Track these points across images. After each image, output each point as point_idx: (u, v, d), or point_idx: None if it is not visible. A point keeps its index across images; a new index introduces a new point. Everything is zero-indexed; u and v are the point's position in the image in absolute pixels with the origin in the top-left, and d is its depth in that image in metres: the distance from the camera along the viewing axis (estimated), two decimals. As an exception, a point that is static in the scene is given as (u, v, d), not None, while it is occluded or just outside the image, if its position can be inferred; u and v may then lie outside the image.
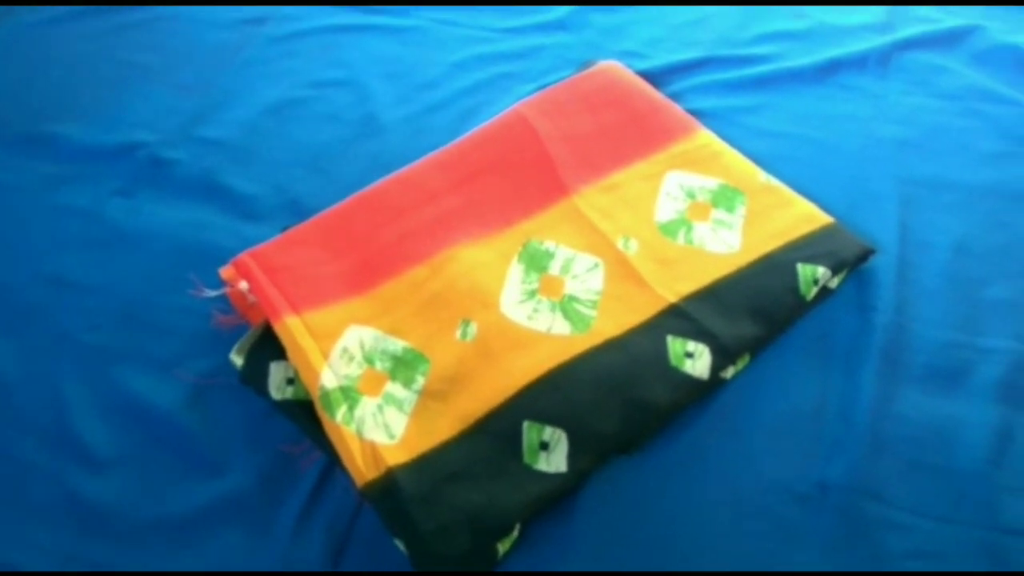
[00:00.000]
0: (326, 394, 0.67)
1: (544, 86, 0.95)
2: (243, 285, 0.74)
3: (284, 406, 0.69)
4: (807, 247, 0.76)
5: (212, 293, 0.77)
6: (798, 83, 0.96)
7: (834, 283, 0.76)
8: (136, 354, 0.75)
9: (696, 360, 0.69)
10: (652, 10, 1.08)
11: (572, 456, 0.64)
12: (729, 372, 0.70)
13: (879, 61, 0.97)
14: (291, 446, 0.69)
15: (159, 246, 0.83)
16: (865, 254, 0.77)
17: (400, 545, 0.61)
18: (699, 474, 0.66)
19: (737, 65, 0.99)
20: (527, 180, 0.84)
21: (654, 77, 0.96)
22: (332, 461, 0.66)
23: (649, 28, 1.06)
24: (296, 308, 0.72)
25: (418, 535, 0.60)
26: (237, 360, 0.72)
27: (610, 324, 0.72)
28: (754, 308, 0.72)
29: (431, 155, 0.86)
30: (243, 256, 0.76)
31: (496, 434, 0.65)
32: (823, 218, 0.79)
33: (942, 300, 0.75)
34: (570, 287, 0.75)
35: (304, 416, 0.68)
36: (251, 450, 0.69)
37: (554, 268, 0.77)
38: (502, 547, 0.62)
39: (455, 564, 0.60)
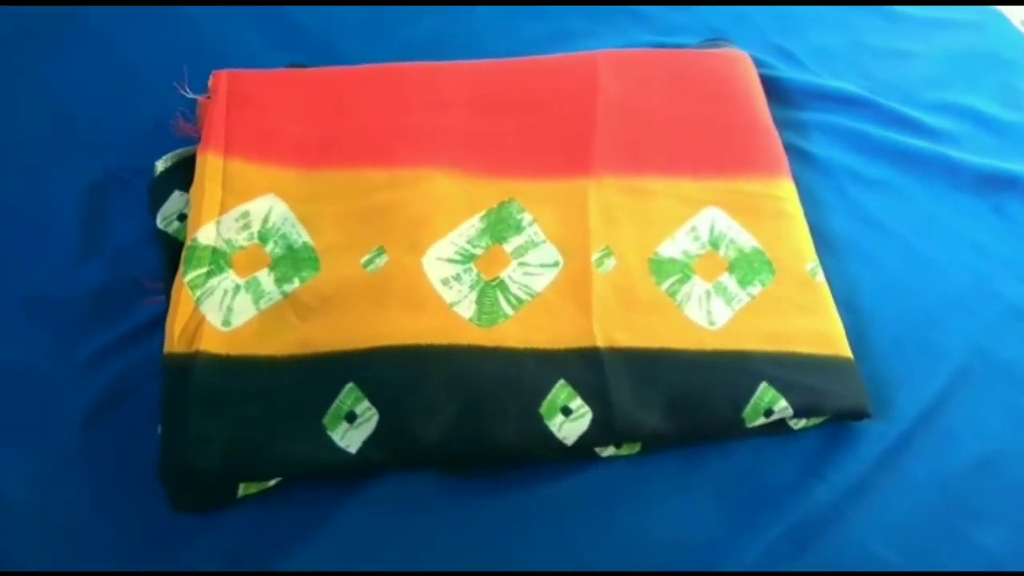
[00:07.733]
0: (194, 247, 0.62)
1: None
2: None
3: (161, 237, 0.65)
4: (793, 369, 0.61)
5: (190, 95, 0.72)
6: (945, 178, 0.76)
7: (799, 425, 0.62)
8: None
9: (570, 421, 0.58)
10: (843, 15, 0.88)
11: (370, 442, 0.56)
12: (608, 451, 0.59)
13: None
14: (151, 280, 0.64)
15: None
16: (858, 414, 0.61)
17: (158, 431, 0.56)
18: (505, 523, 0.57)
19: (893, 123, 0.79)
20: (553, 136, 0.71)
21: (785, 89, 0.79)
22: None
23: (825, 34, 0.86)
24: (229, 149, 0.67)
25: (176, 434, 0.55)
26: (160, 165, 0.68)
27: (516, 334, 0.61)
28: (679, 401, 0.59)
29: (474, 61, 0.75)
30: (223, 73, 0.71)
31: (319, 378, 0.58)
32: (841, 348, 0.63)
33: (909, 523, 0.58)
34: (510, 273, 0.65)
35: (173, 258, 0.63)
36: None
37: (511, 244, 0.66)
38: (245, 490, 0.56)
39: (192, 480, 0.55)
